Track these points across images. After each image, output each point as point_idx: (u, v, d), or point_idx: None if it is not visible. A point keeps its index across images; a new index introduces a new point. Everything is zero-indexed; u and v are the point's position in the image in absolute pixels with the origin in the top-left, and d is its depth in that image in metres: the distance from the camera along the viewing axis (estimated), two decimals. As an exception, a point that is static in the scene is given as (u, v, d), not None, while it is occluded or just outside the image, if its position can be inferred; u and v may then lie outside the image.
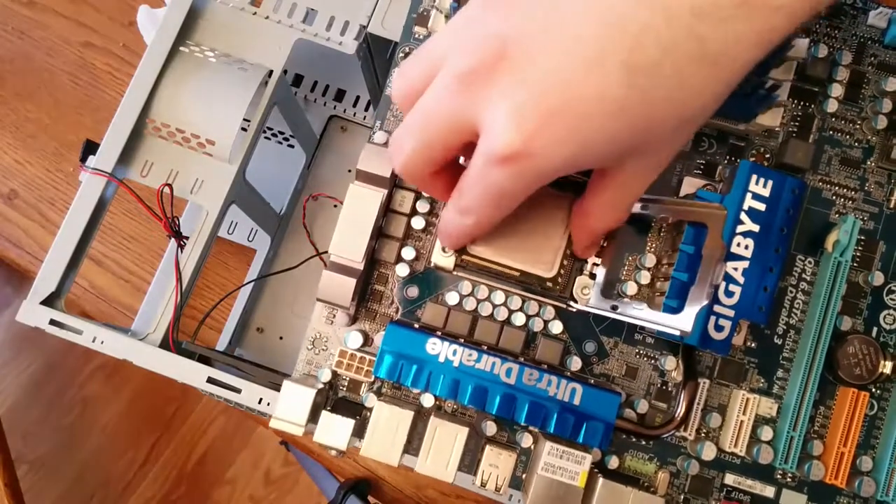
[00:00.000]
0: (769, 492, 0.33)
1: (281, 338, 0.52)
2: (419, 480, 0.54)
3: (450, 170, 0.27)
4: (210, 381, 0.35)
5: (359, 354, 0.33)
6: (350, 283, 0.31)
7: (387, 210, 0.33)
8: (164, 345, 0.36)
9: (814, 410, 0.33)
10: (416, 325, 0.32)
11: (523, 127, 0.23)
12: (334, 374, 0.33)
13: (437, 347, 0.31)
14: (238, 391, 0.35)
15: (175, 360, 0.36)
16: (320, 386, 0.33)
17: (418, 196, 0.34)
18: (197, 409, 1.09)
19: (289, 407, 0.31)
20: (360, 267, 0.32)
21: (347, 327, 0.34)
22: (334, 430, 0.31)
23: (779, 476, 0.33)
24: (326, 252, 0.32)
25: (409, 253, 0.33)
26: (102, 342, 0.35)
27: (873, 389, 0.33)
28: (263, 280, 0.52)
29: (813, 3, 0.23)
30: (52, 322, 0.36)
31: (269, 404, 0.35)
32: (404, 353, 0.31)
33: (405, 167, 0.27)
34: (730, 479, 0.33)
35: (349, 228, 0.31)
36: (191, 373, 0.35)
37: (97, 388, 1.07)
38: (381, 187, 0.32)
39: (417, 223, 0.33)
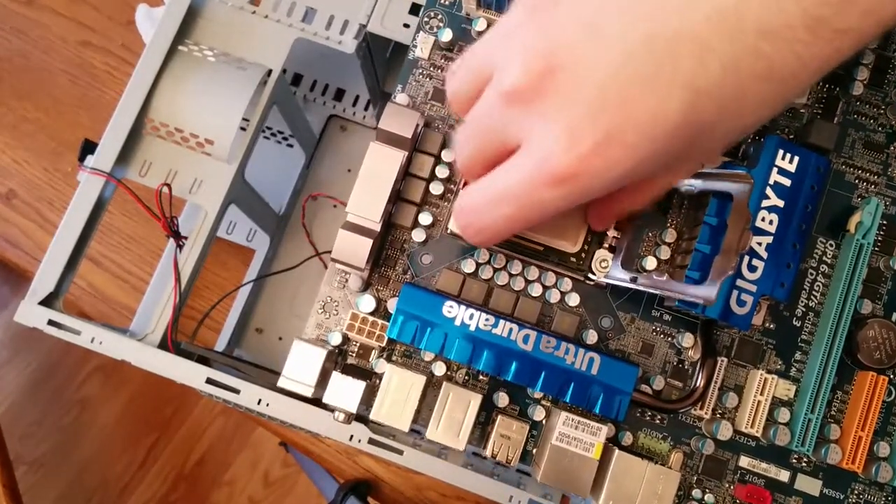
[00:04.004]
0: (784, 476, 0.32)
1: (280, 338, 0.52)
2: (419, 482, 0.54)
3: None
4: (209, 381, 0.35)
5: (371, 319, 0.33)
6: (366, 244, 0.30)
7: (405, 174, 0.33)
8: (163, 345, 0.36)
9: (831, 394, 0.32)
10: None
11: (579, 147, 0.22)
12: (345, 338, 0.33)
13: (453, 311, 0.31)
14: (237, 392, 0.35)
15: (174, 361, 0.35)
16: (330, 348, 0.32)
17: (438, 161, 0.33)
18: (196, 409, 1.08)
19: (298, 367, 0.30)
20: (378, 228, 0.31)
21: (360, 292, 0.33)
22: (345, 392, 0.30)
23: (794, 460, 0.33)
24: (326, 252, 0.32)
25: (426, 218, 0.33)
26: (101, 343, 0.35)
27: (892, 375, 0.33)
28: (262, 280, 0.52)
29: (881, 23, 0.22)
30: (51, 322, 0.35)
31: (268, 405, 0.35)
32: (420, 315, 0.30)
33: (463, 168, 0.28)
34: (744, 461, 0.33)
35: (368, 188, 0.31)
36: (189, 373, 0.35)
37: (96, 388, 1.07)
38: (401, 148, 0.31)
39: (436, 188, 0.33)
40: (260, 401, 0.35)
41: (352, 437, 0.35)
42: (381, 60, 0.48)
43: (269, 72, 0.40)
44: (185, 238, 0.38)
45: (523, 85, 0.23)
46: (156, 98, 0.38)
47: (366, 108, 0.53)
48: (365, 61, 0.44)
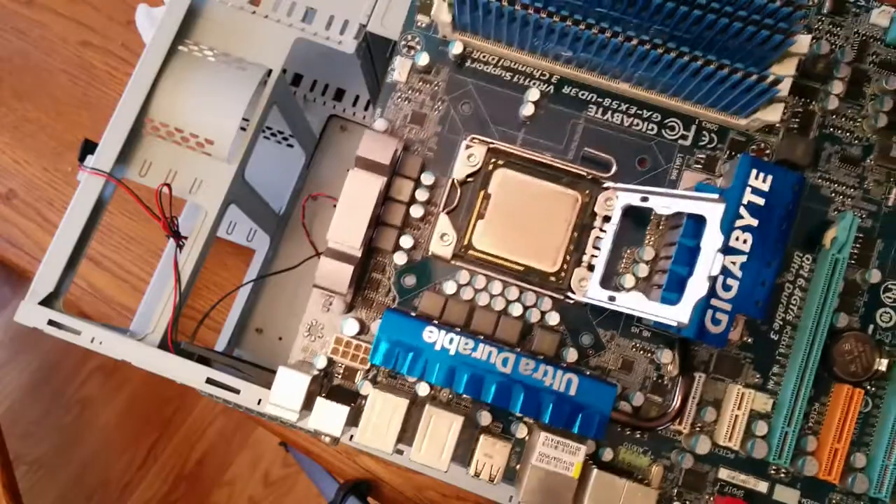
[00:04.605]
0: (762, 487, 0.33)
1: (280, 338, 0.52)
2: (420, 482, 0.54)
3: None
4: (209, 381, 0.35)
5: (354, 342, 0.33)
6: (347, 270, 0.31)
7: (385, 198, 0.33)
8: (163, 345, 0.36)
9: (808, 406, 0.33)
10: (413, 314, 0.32)
11: None
12: (330, 360, 0.33)
13: (433, 335, 0.31)
14: (237, 392, 0.35)
15: (174, 361, 0.35)
16: (315, 373, 0.32)
17: (417, 185, 0.34)
18: (196, 409, 1.08)
19: (284, 393, 0.31)
20: (358, 254, 0.31)
21: (343, 315, 0.34)
22: (329, 417, 0.31)
23: (772, 471, 0.33)
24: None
25: (407, 241, 0.33)
26: (101, 343, 0.35)
27: (868, 387, 0.33)
28: (262, 280, 0.52)
29: None
30: (51, 322, 0.35)
31: (268, 405, 0.35)
32: (401, 340, 0.31)
33: None
34: (723, 473, 0.33)
35: (347, 215, 0.31)
36: (190, 373, 0.35)
37: (96, 388, 1.07)
38: (380, 174, 0.32)
39: (416, 212, 0.33)
40: (260, 401, 0.35)
41: (352, 436, 0.35)
42: (381, 60, 0.48)
43: (269, 72, 0.40)
44: (185, 238, 0.38)
45: None
46: (156, 98, 0.38)
47: (366, 108, 0.53)
48: (365, 61, 0.44)
